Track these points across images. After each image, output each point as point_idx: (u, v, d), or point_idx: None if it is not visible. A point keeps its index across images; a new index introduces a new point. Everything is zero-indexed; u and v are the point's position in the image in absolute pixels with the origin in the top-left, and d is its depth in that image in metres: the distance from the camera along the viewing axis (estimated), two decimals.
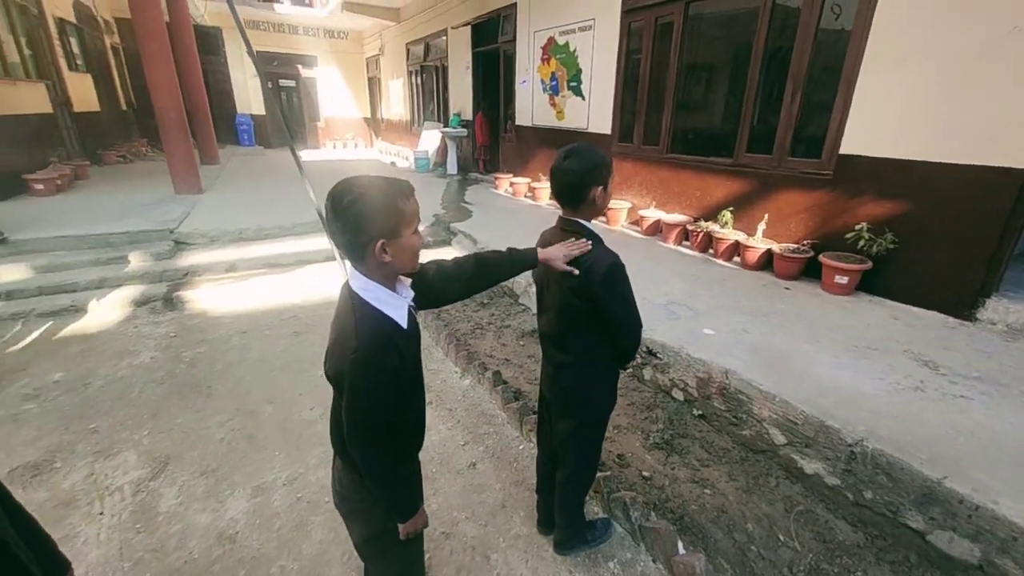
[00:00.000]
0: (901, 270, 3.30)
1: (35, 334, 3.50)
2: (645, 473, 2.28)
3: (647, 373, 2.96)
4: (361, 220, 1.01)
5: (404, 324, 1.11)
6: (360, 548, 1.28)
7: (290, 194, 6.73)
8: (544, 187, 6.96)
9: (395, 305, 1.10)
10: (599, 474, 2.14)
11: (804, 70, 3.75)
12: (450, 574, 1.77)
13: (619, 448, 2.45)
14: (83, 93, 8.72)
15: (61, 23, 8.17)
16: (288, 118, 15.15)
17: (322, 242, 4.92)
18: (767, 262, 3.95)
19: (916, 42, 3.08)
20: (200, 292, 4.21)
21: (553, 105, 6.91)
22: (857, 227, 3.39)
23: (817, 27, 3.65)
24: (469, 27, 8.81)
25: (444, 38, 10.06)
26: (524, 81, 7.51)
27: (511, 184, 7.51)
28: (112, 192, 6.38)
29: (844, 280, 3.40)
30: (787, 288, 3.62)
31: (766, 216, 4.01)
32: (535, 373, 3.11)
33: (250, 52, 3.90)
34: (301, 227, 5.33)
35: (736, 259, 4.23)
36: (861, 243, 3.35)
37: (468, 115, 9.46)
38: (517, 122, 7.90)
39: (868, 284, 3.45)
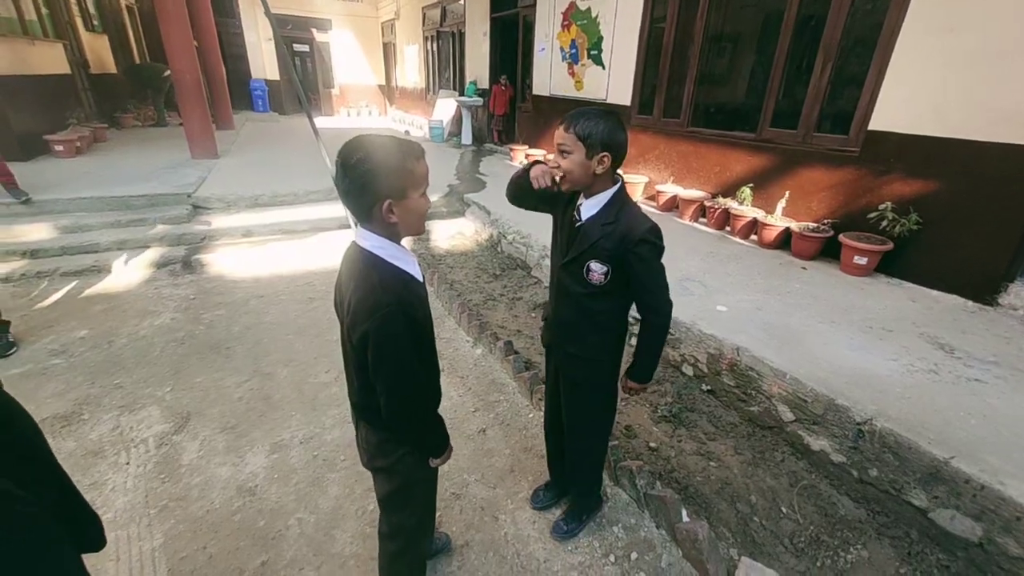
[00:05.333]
0: (923, 252, 3.22)
1: (60, 292, 3.61)
2: (652, 444, 2.32)
3: None
4: (369, 179, 1.02)
5: (420, 278, 1.15)
6: (383, 501, 1.35)
7: (305, 161, 6.72)
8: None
9: (409, 261, 1.14)
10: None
11: (837, 39, 3.58)
12: (459, 530, 1.84)
13: (627, 420, 2.48)
14: (99, 54, 8.69)
15: None
16: (306, 85, 14.97)
17: (336, 210, 4.94)
18: (785, 241, 3.88)
19: (964, 10, 2.91)
20: (217, 256, 4.27)
21: (572, 74, 6.72)
22: (881, 207, 3.30)
23: None
24: None
25: (462, 2, 9.76)
26: (543, 49, 7.30)
27: (526, 156, 7.40)
28: (130, 155, 6.43)
29: (863, 261, 3.34)
30: (804, 268, 3.57)
31: (787, 194, 3.92)
32: None
33: (267, 12, 3.83)
34: (315, 194, 5.34)
35: (753, 237, 4.16)
36: (884, 223, 3.27)
37: (484, 83, 9.26)
38: (534, 92, 7.72)
39: (887, 266, 3.38)
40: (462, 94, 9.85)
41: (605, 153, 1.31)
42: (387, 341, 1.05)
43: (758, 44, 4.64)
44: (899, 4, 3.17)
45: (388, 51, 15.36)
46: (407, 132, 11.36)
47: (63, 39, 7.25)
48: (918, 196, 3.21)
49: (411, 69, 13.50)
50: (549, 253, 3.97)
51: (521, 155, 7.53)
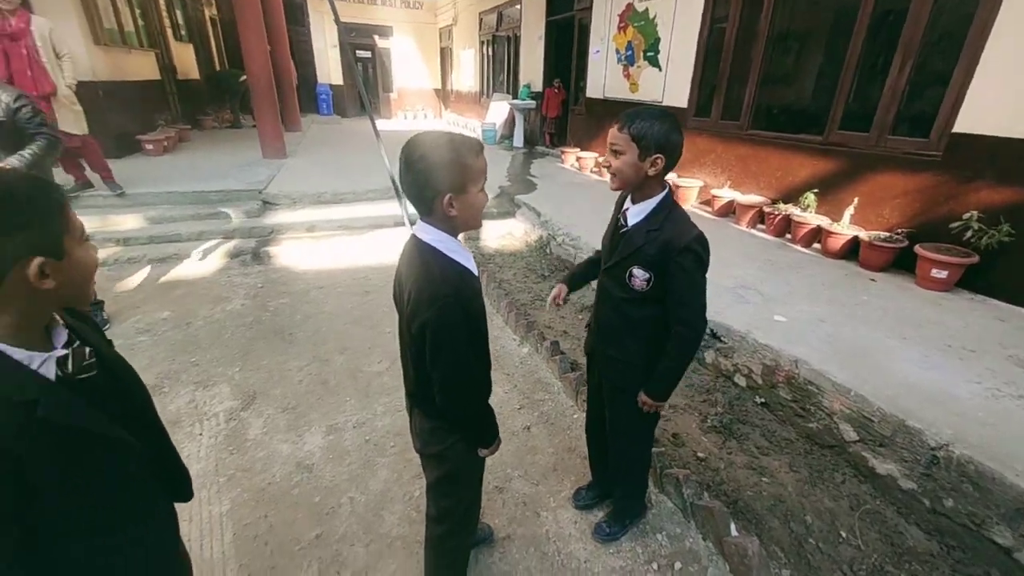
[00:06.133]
0: (1015, 267, 2.94)
1: (146, 277, 3.97)
2: (700, 454, 2.26)
3: (709, 356, 2.88)
4: (431, 173, 1.06)
5: (476, 272, 1.19)
6: (433, 485, 1.40)
7: (364, 161, 7.02)
8: None
9: (466, 255, 1.18)
10: (653, 449, 2.14)
11: (919, 36, 3.34)
12: (502, 523, 1.87)
13: (674, 427, 2.43)
14: (185, 62, 9.47)
15: None
16: (367, 89, 15.59)
17: (393, 208, 5.13)
18: (852, 251, 3.65)
19: None
20: (283, 248, 4.55)
21: (627, 76, 6.64)
22: (966, 216, 3.04)
23: None
24: None
25: (518, 7, 9.87)
26: (597, 51, 7.26)
27: (577, 159, 7.38)
28: (209, 154, 6.96)
29: (943, 274, 3.08)
30: (873, 280, 3.35)
31: (855, 200, 3.69)
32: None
33: (337, 21, 4.07)
34: (373, 193, 5.57)
35: (816, 246, 3.95)
36: (969, 234, 3.01)
37: (538, 86, 9.32)
38: (588, 94, 7.68)
39: (970, 281, 3.11)
40: (515, 97, 9.95)
41: (659, 155, 1.29)
42: (444, 331, 1.09)
43: (828, 42, 4.40)
44: None
45: (445, 56, 15.76)
46: None
47: (155, 48, 7.97)
48: (1010, 205, 2.93)
49: (466, 73, 13.78)
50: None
51: (572, 158, 7.51)
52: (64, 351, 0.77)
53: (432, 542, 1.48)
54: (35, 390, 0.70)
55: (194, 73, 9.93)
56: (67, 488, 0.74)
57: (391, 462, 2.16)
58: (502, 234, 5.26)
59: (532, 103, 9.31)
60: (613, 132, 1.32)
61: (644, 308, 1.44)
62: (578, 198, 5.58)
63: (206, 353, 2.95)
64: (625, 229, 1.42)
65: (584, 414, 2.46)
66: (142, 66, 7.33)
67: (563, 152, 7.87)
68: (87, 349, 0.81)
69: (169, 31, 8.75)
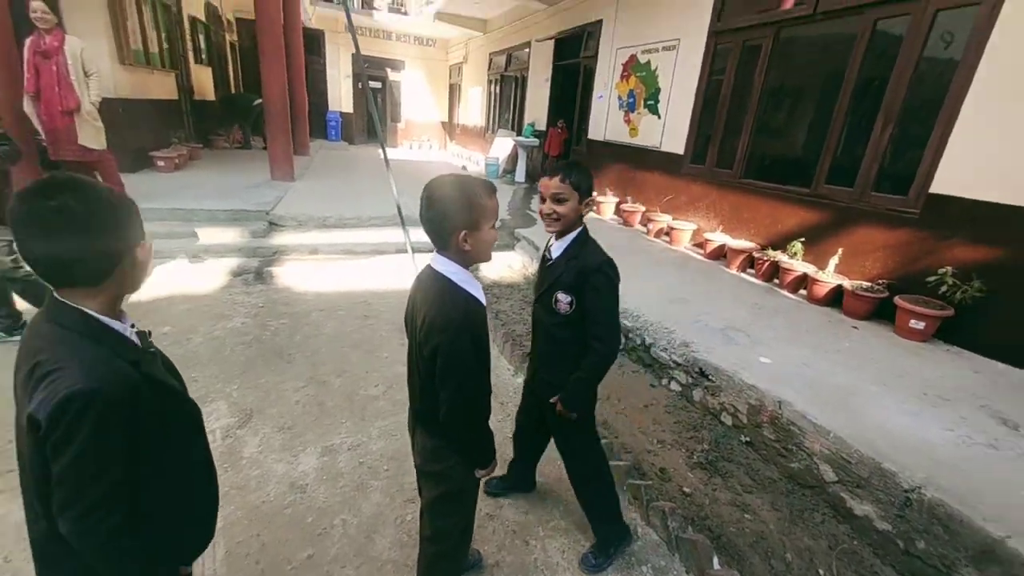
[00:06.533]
0: (988, 321, 3.09)
1: (152, 292, 4.04)
2: (686, 489, 2.32)
3: (697, 394, 2.97)
4: (449, 211, 1.20)
5: (484, 302, 1.31)
6: (429, 504, 1.46)
7: (370, 188, 7.22)
8: (608, 202, 7.02)
9: (476, 287, 1.30)
10: (640, 482, 2.21)
11: (899, 103, 3.60)
12: (491, 550, 1.91)
13: (662, 462, 2.49)
14: (203, 83, 9.81)
15: (193, 21, 9.25)
16: (376, 118, 16.09)
17: (395, 235, 5.27)
18: (835, 298, 3.81)
19: None
20: (286, 269, 4.66)
21: (627, 122, 6.96)
22: (941, 271, 3.21)
23: (920, 56, 3.49)
24: (553, 41, 9.06)
25: (527, 50, 10.37)
26: (601, 96, 7.62)
27: None
28: (219, 173, 7.14)
29: (920, 325, 3.23)
30: (855, 327, 3.48)
31: (840, 251, 3.87)
32: None
33: (357, 55, 4.30)
34: (378, 219, 5.72)
35: (802, 292, 4.10)
36: (944, 288, 3.18)
37: (542, 125, 9.69)
38: (590, 136, 8.01)
39: (947, 333, 3.25)
40: (519, 134, 10.32)
41: (590, 198, 1.60)
42: (455, 355, 1.20)
43: (818, 99, 4.69)
44: (966, 70, 3.18)
45: (453, 91, 16.35)
46: (464, 167, 11.93)
47: (176, 69, 8.27)
48: (983, 262, 3.11)
49: (473, 108, 14.29)
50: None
51: None
52: (134, 328, 0.96)
53: (425, 563, 1.53)
54: (135, 352, 0.92)
55: (210, 94, 10.26)
56: (160, 433, 0.94)
57: (384, 485, 2.20)
58: (501, 266, 5.40)
59: (535, 141, 9.66)
60: (556, 183, 1.56)
61: (568, 330, 1.64)
62: None
63: (205, 369, 3.01)
64: (550, 261, 1.69)
65: None
66: (162, 85, 7.60)
67: None
68: (148, 329, 0.99)
69: (191, 54, 9.10)
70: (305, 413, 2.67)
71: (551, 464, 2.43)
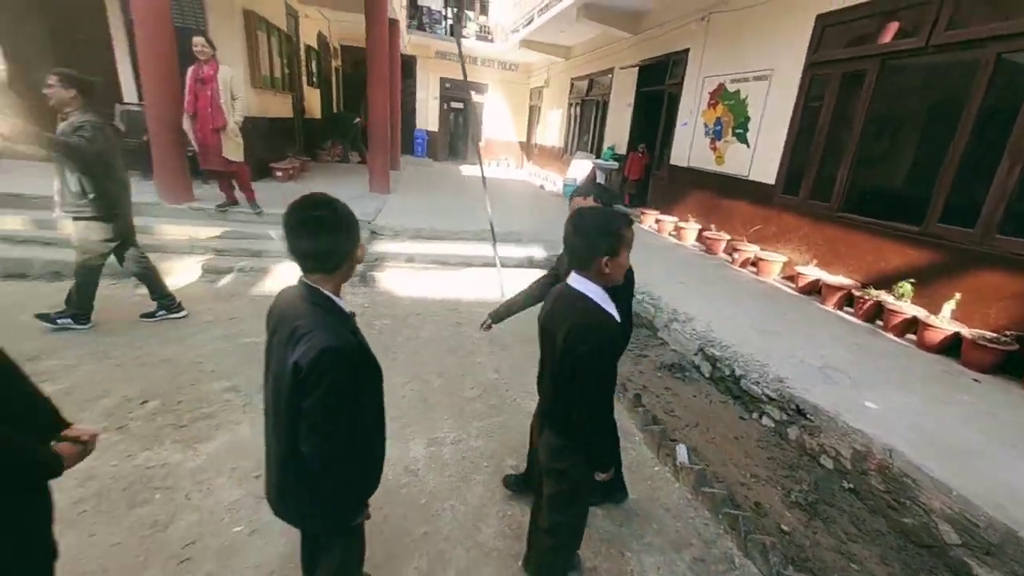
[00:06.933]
0: None
1: (276, 286, 4.55)
2: (784, 527, 2.28)
3: (792, 432, 2.90)
4: (595, 239, 1.37)
5: (618, 319, 1.43)
6: (550, 499, 1.60)
7: (456, 203, 7.66)
8: (690, 228, 6.94)
9: (612, 305, 1.44)
10: (737, 512, 2.21)
11: None
12: (587, 555, 2.00)
13: (756, 496, 2.47)
14: (312, 103, 10.89)
15: (308, 49, 10.35)
16: (456, 136, 17.05)
17: (482, 248, 5.55)
18: (951, 347, 3.54)
19: None
20: (386, 275, 5.06)
21: (714, 149, 6.89)
22: None
23: None
24: (636, 68, 9.18)
25: (609, 76, 10.57)
26: (685, 123, 7.61)
27: (656, 221, 7.60)
28: (325, 184, 7.86)
29: None
30: (976, 380, 3.23)
31: (957, 296, 3.61)
32: (671, 404, 3.23)
33: (465, 78, 4.66)
34: (466, 233, 6.05)
35: (910, 336, 3.85)
36: None
37: (622, 149, 9.78)
38: (672, 162, 7.99)
39: None
40: (598, 157, 10.46)
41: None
42: (594, 360, 1.35)
43: (928, 133, 4.43)
44: None
45: (533, 113, 16.88)
46: (541, 186, 12.25)
47: (293, 91, 9.27)
48: None
49: (552, 130, 14.66)
50: (677, 317, 4.10)
51: (651, 219, 7.75)
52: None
53: (540, 553, 1.66)
54: (352, 324, 1.27)
55: (317, 113, 11.35)
56: (364, 385, 1.26)
57: (486, 480, 2.36)
58: None
59: (614, 164, 9.74)
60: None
61: None
62: (654, 258, 5.76)
63: None
64: None
65: (666, 467, 2.58)
66: (282, 106, 8.56)
67: (642, 213, 8.13)
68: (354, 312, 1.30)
69: (304, 78, 10.16)
70: (412, 407, 2.92)
71: (643, 483, 2.48)
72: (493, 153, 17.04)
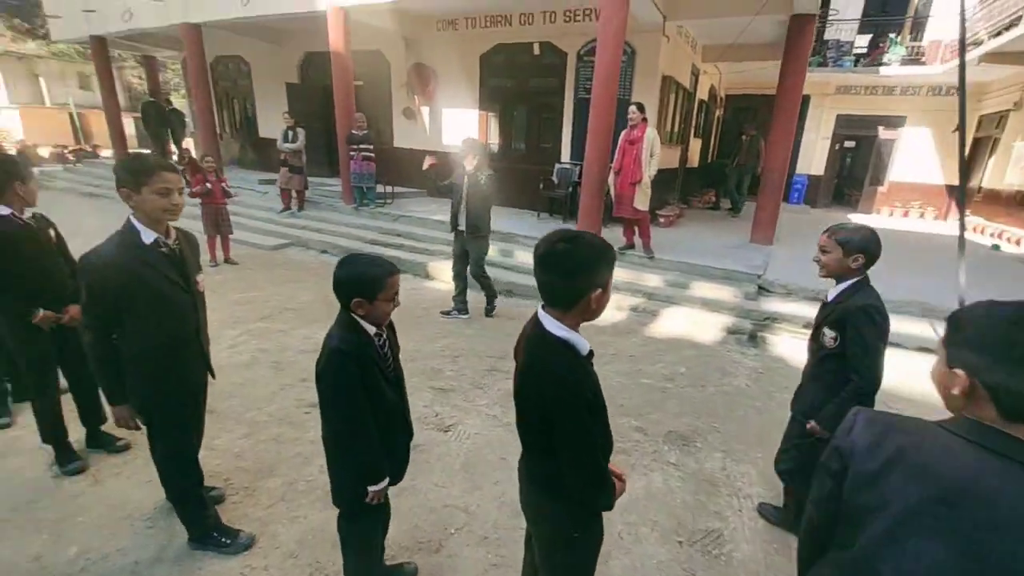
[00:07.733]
0: None
1: (661, 328, 4.78)
2: None
3: None
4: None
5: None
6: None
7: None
8: None
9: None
10: None
11: None
12: None
13: None
14: (694, 153, 11.28)
15: (700, 102, 10.77)
16: (844, 179, 14.47)
17: (913, 326, 4.26)
18: None
19: None
20: (778, 338, 4.55)
21: None
22: None
23: None
24: None
25: None
26: None
27: None
28: (700, 232, 7.94)
29: None
30: None
31: None
32: None
33: (962, 107, 3.63)
34: (889, 303, 4.81)
35: None
36: None
37: None
38: None
39: None
40: None
41: (860, 255, 1.89)
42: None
43: None
44: None
45: (979, 146, 12.41)
46: (995, 246, 8.79)
47: (683, 143, 9.82)
48: None
49: (1020, 169, 10.33)
50: None
51: None
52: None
53: None
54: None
55: (695, 162, 11.69)
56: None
57: None
58: None
59: None
60: (823, 237, 1.97)
61: (831, 362, 1.98)
62: None
63: (724, 423, 3.20)
64: (825, 303, 2.06)
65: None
66: (672, 157, 9.18)
67: None
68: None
69: (692, 130, 10.62)
70: None
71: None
72: (898, 198, 13.47)
